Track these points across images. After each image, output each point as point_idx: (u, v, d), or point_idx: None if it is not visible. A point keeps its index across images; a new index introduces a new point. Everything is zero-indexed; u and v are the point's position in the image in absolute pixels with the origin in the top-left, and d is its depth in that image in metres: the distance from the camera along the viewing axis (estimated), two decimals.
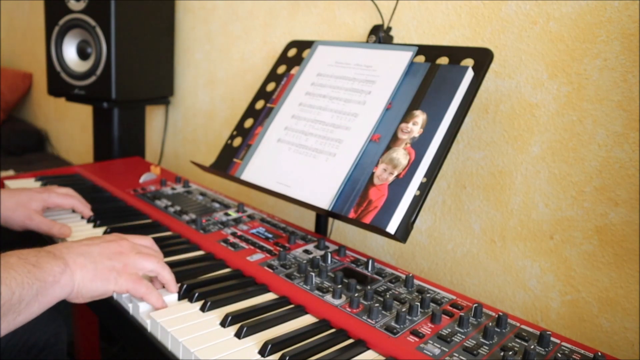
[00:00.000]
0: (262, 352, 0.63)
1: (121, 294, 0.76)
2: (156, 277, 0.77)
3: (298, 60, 1.17)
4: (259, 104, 1.15)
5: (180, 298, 0.76)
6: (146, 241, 0.82)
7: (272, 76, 1.19)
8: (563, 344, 0.67)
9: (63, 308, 1.09)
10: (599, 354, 0.63)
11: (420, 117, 0.90)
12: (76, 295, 0.70)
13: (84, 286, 0.70)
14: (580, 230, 0.92)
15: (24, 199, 0.97)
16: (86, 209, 1.03)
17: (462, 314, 0.69)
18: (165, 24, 1.77)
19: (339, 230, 1.33)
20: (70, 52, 1.64)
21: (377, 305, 0.71)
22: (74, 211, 1.06)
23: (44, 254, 0.68)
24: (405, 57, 0.98)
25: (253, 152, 1.07)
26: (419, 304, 0.72)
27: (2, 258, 0.63)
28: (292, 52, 1.20)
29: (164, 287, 0.77)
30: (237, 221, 1.04)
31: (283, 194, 0.95)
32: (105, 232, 0.98)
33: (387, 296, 0.75)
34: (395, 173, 0.86)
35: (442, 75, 0.92)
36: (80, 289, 0.70)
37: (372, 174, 0.88)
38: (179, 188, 1.24)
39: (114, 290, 0.72)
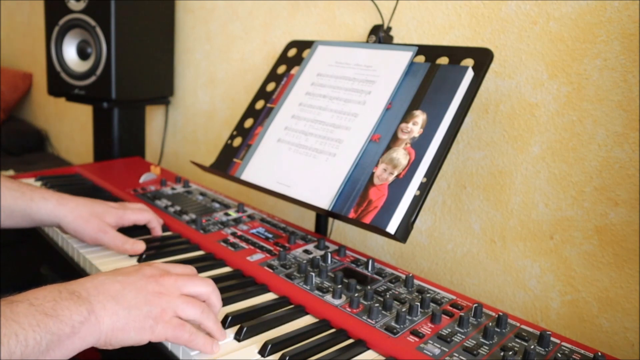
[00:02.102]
0: (262, 352, 0.63)
1: None
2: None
3: (298, 60, 1.17)
4: (259, 104, 1.15)
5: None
6: (189, 269, 0.72)
7: (272, 76, 1.19)
8: (563, 344, 0.67)
9: None
10: (599, 354, 0.63)
11: (420, 117, 0.90)
12: (104, 344, 0.60)
13: (113, 336, 0.60)
14: (580, 230, 0.92)
15: (99, 210, 0.91)
16: (159, 225, 0.99)
17: (462, 314, 0.69)
18: (165, 24, 1.77)
19: (339, 230, 1.33)
20: (70, 52, 1.64)
21: (377, 305, 0.71)
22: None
23: (65, 296, 0.58)
24: (405, 57, 0.98)
25: (253, 152, 1.07)
26: (419, 304, 0.72)
27: (8, 306, 0.53)
28: (292, 52, 1.20)
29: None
30: (237, 221, 1.04)
31: (283, 194, 0.95)
32: (139, 259, 0.89)
33: (387, 296, 0.75)
34: (395, 173, 0.86)
35: (442, 75, 0.92)
36: (109, 338, 0.60)
37: (372, 174, 0.88)
38: (179, 188, 1.24)
39: (150, 340, 0.62)
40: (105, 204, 0.94)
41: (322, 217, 1.11)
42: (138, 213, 0.96)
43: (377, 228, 0.81)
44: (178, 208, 1.09)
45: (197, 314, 0.64)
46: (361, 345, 0.66)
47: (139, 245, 0.89)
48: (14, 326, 0.51)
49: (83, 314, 0.57)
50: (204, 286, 0.68)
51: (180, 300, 0.64)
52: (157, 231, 0.99)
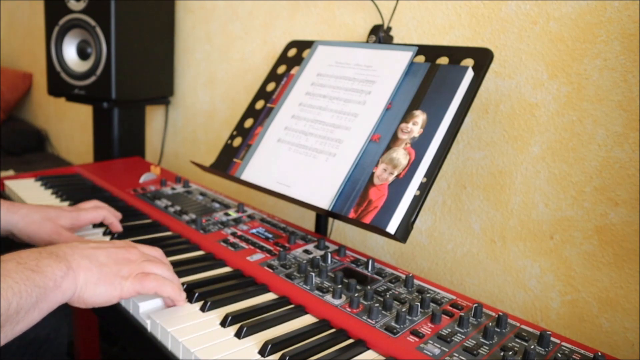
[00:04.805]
0: (262, 352, 0.63)
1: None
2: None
3: (298, 60, 1.17)
4: (259, 104, 1.15)
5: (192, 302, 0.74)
6: (156, 252, 0.78)
7: (272, 76, 1.19)
8: (563, 344, 0.67)
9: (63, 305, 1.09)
10: (599, 354, 0.63)
11: (420, 117, 0.90)
12: (78, 299, 0.66)
13: (86, 290, 0.66)
14: (580, 230, 0.92)
15: (52, 214, 0.91)
16: (116, 220, 0.96)
17: (462, 314, 0.69)
18: (165, 24, 1.77)
19: (339, 230, 1.33)
20: (70, 52, 1.64)
21: (377, 305, 0.71)
22: (101, 224, 0.98)
23: (45, 256, 0.64)
24: (405, 57, 0.98)
25: (253, 152, 1.07)
26: (419, 304, 0.72)
27: None
28: (292, 52, 1.20)
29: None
30: (237, 221, 1.04)
31: (283, 194, 0.95)
32: (112, 237, 0.95)
33: (387, 296, 0.75)
34: (395, 173, 0.86)
35: (442, 75, 0.92)
36: (83, 293, 0.66)
37: (372, 174, 0.88)
38: (179, 188, 1.24)
39: (120, 297, 0.68)
40: (59, 208, 0.93)
41: (322, 217, 1.11)
42: (92, 212, 0.95)
43: (377, 228, 0.81)
44: (178, 208, 1.09)
45: (164, 271, 0.72)
46: (361, 345, 0.66)
47: None
48: (9, 280, 0.58)
49: (63, 270, 0.64)
50: (164, 271, 0.73)
51: (146, 263, 0.72)
52: (116, 226, 0.96)
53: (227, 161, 1.10)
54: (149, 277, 0.69)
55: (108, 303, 0.69)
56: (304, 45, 1.18)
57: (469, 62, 0.91)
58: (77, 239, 0.89)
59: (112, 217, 0.97)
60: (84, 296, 0.66)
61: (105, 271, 0.68)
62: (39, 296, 0.60)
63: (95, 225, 0.99)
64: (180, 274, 0.79)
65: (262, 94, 1.17)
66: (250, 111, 1.16)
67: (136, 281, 0.69)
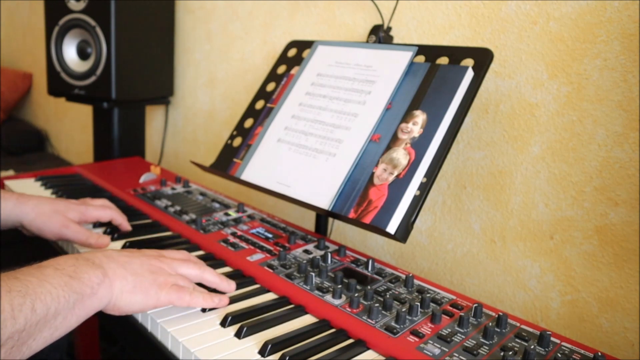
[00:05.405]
0: (262, 352, 0.63)
1: None
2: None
3: (298, 60, 1.17)
4: (259, 104, 1.15)
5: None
6: (182, 255, 0.80)
7: (272, 76, 1.19)
8: (563, 344, 0.67)
9: None
10: (599, 354, 0.63)
11: (420, 117, 0.90)
12: (113, 307, 0.67)
13: (122, 299, 0.67)
14: (580, 230, 0.92)
15: (61, 207, 0.92)
16: (125, 221, 0.98)
17: (462, 314, 0.70)
18: (165, 24, 1.77)
19: (339, 230, 1.33)
20: (70, 52, 1.64)
21: (377, 305, 0.71)
22: (108, 224, 0.99)
23: (82, 262, 0.65)
24: (405, 57, 0.98)
25: (253, 152, 1.07)
26: (419, 304, 0.72)
27: (37, 269, 0.60)
28: (292, 52, 1.20)
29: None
30: (237, 221, 1.04)
31: (283, 194, 0.95)
32: (124, 246, 0.93)
33: (387, 296, 0.75)
34: (395, 173, 0.86)
35: (442, 75, 0.92)
36: (118, 301, 0.67)
37: (372, 174, 0.88)
38: (179, 188, 1.24)
39: (155, 305, 0.69)
40: (67, 201, 0.95)
41: (322, 217, 1.11)
42: (100, 209, 0.96)
43: (377, 228, 0.81)
44: (178, 208, 1.09)
45: (196, 272, 0.75)
46: (361, 345, 0.66)
47: (104, 239, 0.90)
48: (47, 285, 0.58)
49: (99, 277, 0.65)
50: (195, 269, 0.76)
51: (178, 276, 0.73)
52: (125, 227, 0.97)
53: (227, 161, 1.10)
54: (185, 291, 0.71)
55: (143, 311, 0.70)
56: (304, 45, 1.18)
57: (469, 62, 0.91)
58: (85, 232, 0.90)
59: (121, 218, 0.98)
60: (119, 304, 0.67)
61: (140, 280, 0.68)
62: (76, 302, 0.61)
63: (96, 225, 0.99)
64: None
65: (262, 94, 1.17)
66: (250, 111, 1.16)
67: (172, 292, 0.70)
